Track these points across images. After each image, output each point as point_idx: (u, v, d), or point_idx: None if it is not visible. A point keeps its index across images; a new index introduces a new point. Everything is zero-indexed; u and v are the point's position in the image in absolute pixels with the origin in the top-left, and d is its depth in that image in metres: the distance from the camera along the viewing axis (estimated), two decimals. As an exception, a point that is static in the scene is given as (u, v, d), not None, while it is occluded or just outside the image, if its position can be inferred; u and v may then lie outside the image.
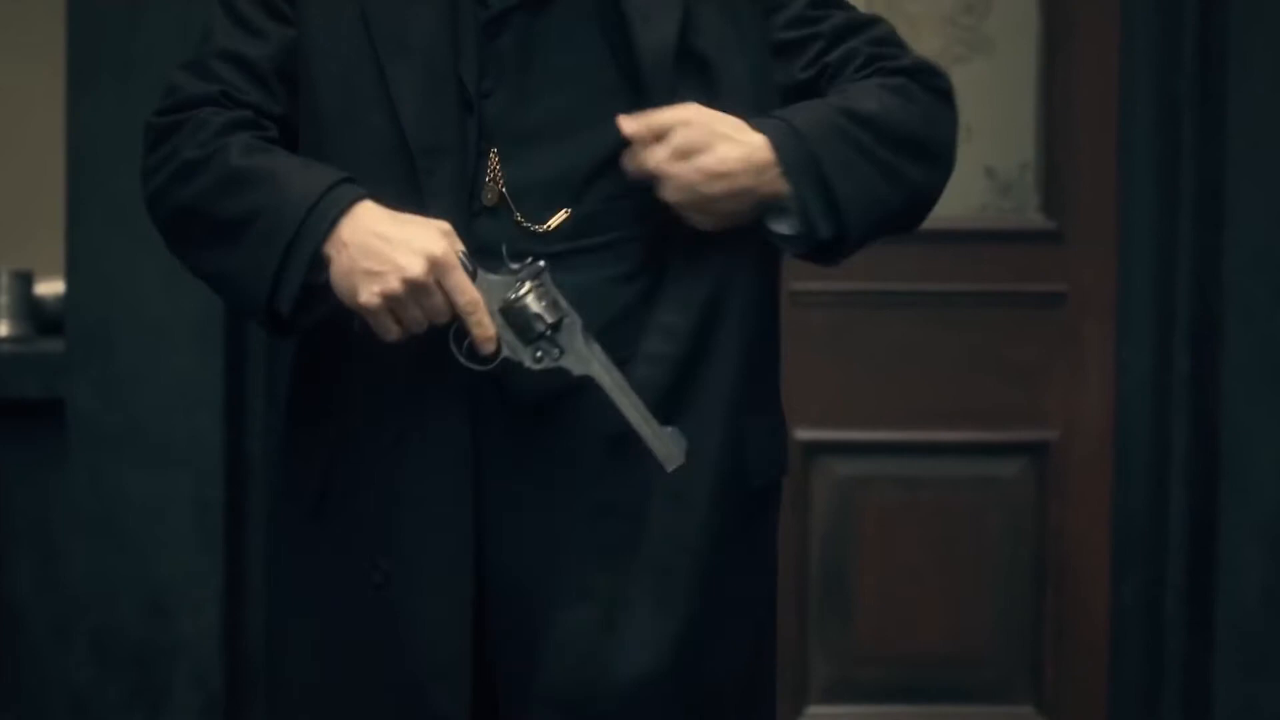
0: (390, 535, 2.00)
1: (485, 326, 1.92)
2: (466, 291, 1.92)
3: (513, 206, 1.99)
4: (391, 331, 1.92)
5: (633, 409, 1.94)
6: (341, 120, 2.00)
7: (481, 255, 1.95)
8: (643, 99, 1.98)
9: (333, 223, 1.92)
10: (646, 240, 2.02)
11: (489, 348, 1.93)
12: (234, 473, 3.50)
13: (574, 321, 1.94)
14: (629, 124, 1.96)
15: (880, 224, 2.04)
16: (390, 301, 1.90)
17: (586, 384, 1.95)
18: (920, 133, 2.05)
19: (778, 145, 1.97)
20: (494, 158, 1.99)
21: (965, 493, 3.86)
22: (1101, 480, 3.85)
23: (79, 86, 3.45)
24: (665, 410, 1.95)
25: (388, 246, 1.90)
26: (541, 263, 1.94)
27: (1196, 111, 3.69)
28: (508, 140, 1.99)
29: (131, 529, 3.46)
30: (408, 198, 1.95)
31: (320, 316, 1.98)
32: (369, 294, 1.90)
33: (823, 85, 2.06)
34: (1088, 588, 3.86)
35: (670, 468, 1.94)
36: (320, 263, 1.93)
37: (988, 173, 3.86)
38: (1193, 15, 3.69)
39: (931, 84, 2.08)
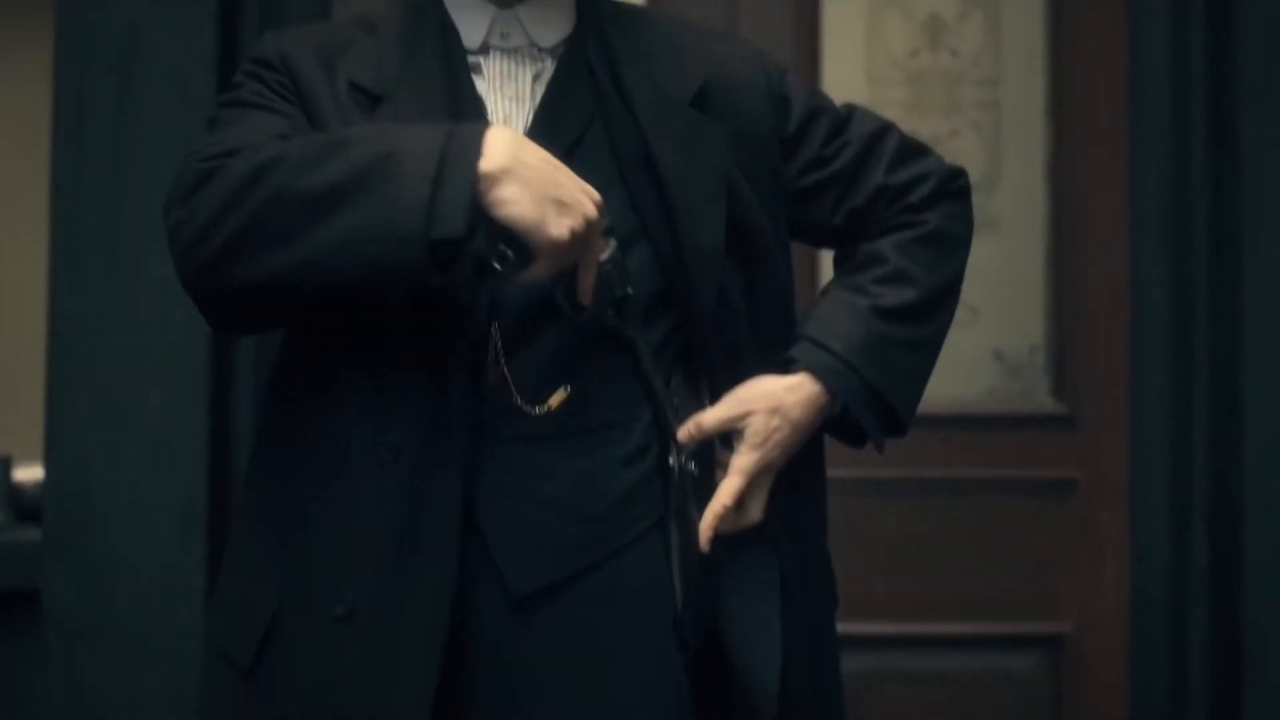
0: None
1: (592, 280, 1.88)
2: (598, 243, 1.87)
3: (513, 388, 1.91)
4: (554, 271, 1.84)
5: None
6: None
7: (484, 436, 1.88)
8: (689, 295, 1.98)
9: (480, 140, 1.80)
10: (649, 421, 1.96)
11: (588, 299, 1.88)
12: (214, 668, 3.39)
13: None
14: (689, 434, 1.99)
15: (926, 381, 2.14)
16: (576, 240, 1.82)
17: (579, 576, 1.91)
18: (953, 275, 2.14)
19: (828, 382, 2.04)
20: (495, 334, 1.91)
21: (977, 687, 3.79)
22: (1119, 674, 3.78)
23: (61, 272, 3.41)
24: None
25: (568, 180, 1.83)
26: (608, 220, 1.89)
27: (1209, 291, 3.67)
28: (510, 317, 1.92)
29: (109, 727, 3.37)
30: (420, 377, 1.87)
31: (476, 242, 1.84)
32: (561, 228, 1.81)
33: (854, 230, 2.13)
34: (1106, 786, 3.80)
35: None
36: (477, 182, 1.79)
37: (996, 355, 3.82)
38: (1203, 196, 3.68)
39: (955, 191, 2.16)
